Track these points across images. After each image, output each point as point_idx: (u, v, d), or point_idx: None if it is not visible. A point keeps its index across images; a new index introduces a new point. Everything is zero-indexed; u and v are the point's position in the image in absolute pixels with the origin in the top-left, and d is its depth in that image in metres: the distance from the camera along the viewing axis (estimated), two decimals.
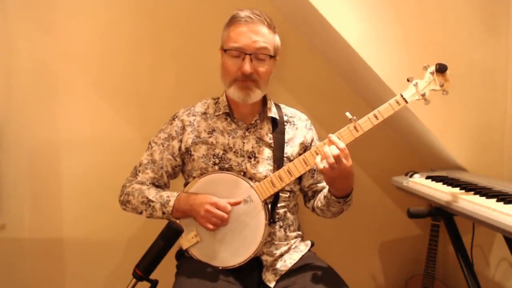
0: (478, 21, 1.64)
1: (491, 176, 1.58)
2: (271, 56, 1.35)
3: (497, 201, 1.18)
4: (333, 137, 1.19)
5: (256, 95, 1.36)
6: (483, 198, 1.22)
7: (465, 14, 1.64)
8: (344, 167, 1.17)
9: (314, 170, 1.46)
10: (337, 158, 1.15)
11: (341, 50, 1.68)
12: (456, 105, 1.63)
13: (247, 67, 1.30)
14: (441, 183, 1.45)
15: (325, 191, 1.38)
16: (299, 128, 1.47)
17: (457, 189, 1.35)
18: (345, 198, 1.31)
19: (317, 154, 1.23)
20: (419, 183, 1.50)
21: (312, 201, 1.48)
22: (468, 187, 1.34)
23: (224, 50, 1.35)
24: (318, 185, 1.48)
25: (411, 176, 1.60)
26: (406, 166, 1.73)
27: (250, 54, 1.31)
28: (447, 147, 1.66)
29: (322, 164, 1.18)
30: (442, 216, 1.49)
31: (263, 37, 1.33)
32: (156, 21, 1.89)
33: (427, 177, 1.56)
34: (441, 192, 1.37)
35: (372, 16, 1.59)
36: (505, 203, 1.15)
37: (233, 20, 1.35)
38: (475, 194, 1.27)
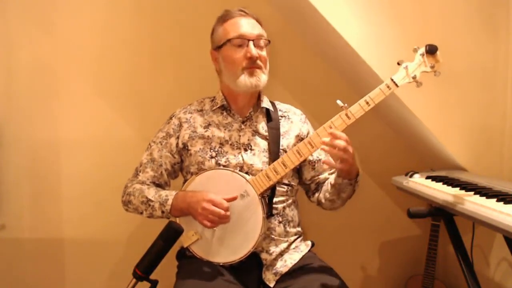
0: (478, 21, 1.64)
1: (491, 176, 1.58)
2: (268, 42, 1.41)
3: (497, 201, 1.18)
4: (333, 131, 1.22)
5: (264, 80, 1.39)
6: (483, 198, 1.22)
7: (465, 14, 1.64)
8: (350, 153, 1.22)
9: (315, 162, 1.47)
10: (345, 148, 1.19)
11: (341, 50, 1.68)
12: (456, 105, 1.63)
13: (254, 51, 1.34)
14: (441, 183, 1.45)
15: (331, 180, 1.40)
16: (294, 122, 1.49)
17: (457, 189, 1.35)
18: (355, 178, 1.34)
19: (310, 144, 1.26)
20: (419, 183, 1.50)
21: (316, 194, 1.48)
22: (468, 187, 1.34)
23: (226, 42, 1.37)
24: (320, 176, 1.48)
25: (411, 176, 1.60)
26: (406, 166, 1.73)
27: (253, 40, 1.35)
28: (447, 147, 1.66)
29: (338, 165, 1.23)
30: (442, 216, 1.49)
31: (258, 27, 1.40)
32: (155, 21, 1.89)
33: (427, 177, 1.56)
34: (441, 192, 1.37)
35: (372, 16, 1.59)
36: (505, 203, 1.15)
37: (225, 16, 1.41)
38: (475, 194, 1.27)
